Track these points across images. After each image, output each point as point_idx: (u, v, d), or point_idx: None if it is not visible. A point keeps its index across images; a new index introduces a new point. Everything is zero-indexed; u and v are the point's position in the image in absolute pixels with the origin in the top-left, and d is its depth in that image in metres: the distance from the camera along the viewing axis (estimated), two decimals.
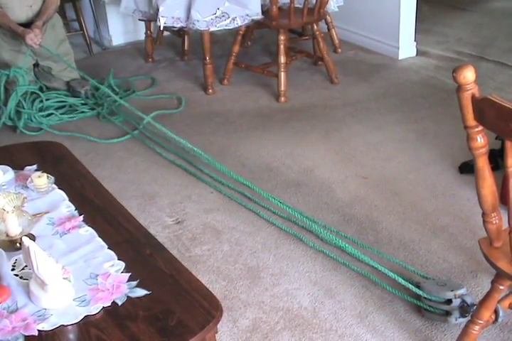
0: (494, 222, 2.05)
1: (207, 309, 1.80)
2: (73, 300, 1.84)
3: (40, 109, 4.40)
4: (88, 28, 5.83)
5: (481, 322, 2.26)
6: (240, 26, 4.57)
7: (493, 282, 2.18)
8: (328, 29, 5.39)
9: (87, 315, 1.79)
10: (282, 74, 4.59)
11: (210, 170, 3.70)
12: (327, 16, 5.19)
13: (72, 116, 4.48)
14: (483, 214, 2.05)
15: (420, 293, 2.65)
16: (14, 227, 2.06)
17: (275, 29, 4.59)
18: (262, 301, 2.76)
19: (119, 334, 1.73)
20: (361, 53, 5.48)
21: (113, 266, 1.98)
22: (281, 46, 4.56)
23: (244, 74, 5.02)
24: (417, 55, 5.36)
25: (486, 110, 1.77)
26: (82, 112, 4.52)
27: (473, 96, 1.78)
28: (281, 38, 4.55)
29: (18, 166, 2.58)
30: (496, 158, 3.38)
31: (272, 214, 3.33)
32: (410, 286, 2.70)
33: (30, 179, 2.43)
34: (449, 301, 2.57)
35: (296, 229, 3.21)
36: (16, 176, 2.51)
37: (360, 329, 2.59)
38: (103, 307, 1.82)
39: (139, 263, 2.01)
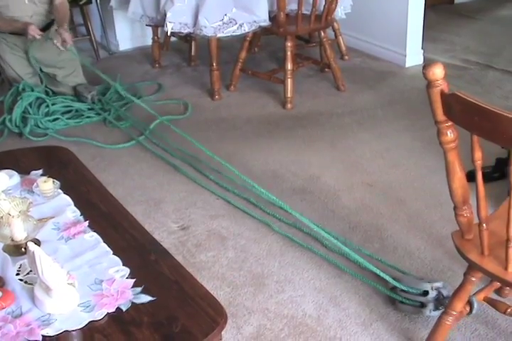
0: (465, 215, 2.11)
1: (211, 316, 1.80)
2: (78, 305, 1.84)
3: (46, 114, 4.41)
4: (95, 32, 5.84)
5: (455, 313, 2.31)
6: (248, 32, 4.58)
7: (465, 274, 2.23)
8: (336, 36, 5.39)
9: (92, 321, 1.79)
10: (289, 81, 4.59)
11: (216, 177, 3.71)
12: (334, 23, 5.19)
13: (78, 121, 4.48)
14: (455, 208, 2.11)
15: (398, 285, 2.70)
16: (19, 232, 2.06)
17: (282, 36, 4.59)
18: (267, 308, 2.75)
19: (123, 340, 1.73)
20: (368, 60, 5.48)
21: (118, 271, 1.98)
22: (288, 53, 4.56)
23: (251, 81, 5.02)
24: (424, 62, 5.36)
25: (453, 105, 1.84)
26: (89, 117, 4.52)
27: (442, 92, 1.85)
28: (289, 44, 4.55)
29: (23, 171, 2.58)
30: (502, 167, 3.38)
31: (277, 221, 3.33)
32: (388, 278, 2.75)
33: (35, 184, 2.43)
34: (425, 293, 2.62)
35: (301, 236, 3.20)
36: (22, 181, 2.52)
37: (365, 337, 2.58)
38: (107, 312, 1.82)
39: (144, 269, 2.01)
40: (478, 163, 1.91)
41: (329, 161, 3.91)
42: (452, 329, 2.44)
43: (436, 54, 5.52)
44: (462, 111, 1.83)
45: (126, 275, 1.96)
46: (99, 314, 1.81)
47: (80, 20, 5.92)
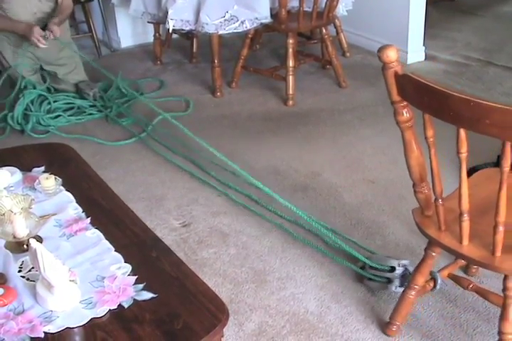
0: (424, 192, 2.25)
1: (213, 312, 1.80)
2: (79, 302, 1.84)
3: (48, 111, 4.41)
4: (97, 29, 5.84)
5: (417, 287, 2.44)
6: (249, 29, 4.57)
7: (426, 249, 2.37)
8: (337, 33, 5.38)
9: (94, 318, 1.79)
10: (290, 78, 4.59)
11: (218, 174, 3.71)
12: (336, 20, 5.18)
13: (80, 117, 4.48)
14: (414, 185, 2.26)
15: (367, 261, 2.83)
16: (21, 229, 2.06)
17: (284, 32, 4.59)
18: (268, 305, 2.76)
19: (125, 337, 1.72)
20: (369, 57, 5.47)
21: (120, 268, 1.98)
22: (290, 50, 4.56)
23: (253, 78, 5.02)
24: (425, 59, 5.35)
25: (406, 86, 1.97)
26: (90, 114, 4.53)
27: (395, 74, 1.98)
28: (290, 41, 4.55)
29: (25, 168, 2.58)
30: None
31: (278, 218, 3.33)
32: (360, 257, 2.88)
33: (37, 181, 2.43)
34: (392, 269, 2.76)
35: (302, 233, 3.20)
36: (24, 178, 2.51)
37: (366, 334, 2.59)
38: (109, 309, 1.81)
39: (146, 265, 2.01)
40: (431, 141, 2.03)
41: (331, 158, 3.91)
42: (415, 303, 2.58)
43: (437, 51, 5.51)
44: (414, 91, 1.95)
45: (128, 272, 1.96)
46: (101, 311, 1.81)
47: (81, 17, 5.92)
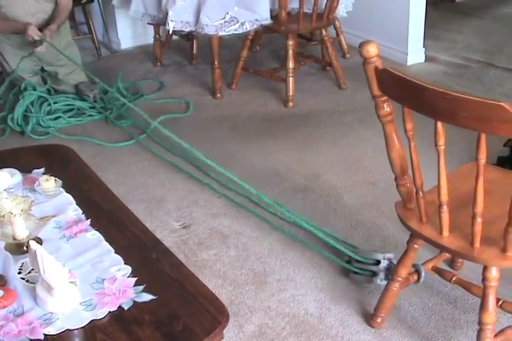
0: (406, 185, 2.28)
1: (213, 314, 1.80)
2: (79, 304, 1.84)
3: (48, 113, 4.40)
4: (97, 31, 5.83)
5: (400, 279, 2.50)
6: (249, 31, 4.57)
7: (408, 242, 2.41)
8: (337, 34, 5.38)
9: (93, 320, 1.79)
10: (290, 79, 4.58)
11: (217, 175, 3.70)
12: (336, 22, 5.18)
13: (80, 119, 4.47)
14: (396, 178, 2.28)
15: (353, 255, 2.88)
16: (21, 231, 2.06)
17: (284, 34, 4.59)
18: (268, 307, 2.75)
19: (124, 339, 1.73)
20: None
21: (120, 270, 1.98)
22: (290, 51, 4.56)
23: (253, 79, 5.02)
24: (425, 60, 5.35)
25: (385, 80, 2.01)
26: (90, 115, 4.52)
27: (376, 68, 2.01)
28: (290, 43, 4.55)
29: (25, 169, 2.58)
30: (504, 165, 3.37)
31: (278, 220, 3.33)
32: (346, 250, 2.92)
33: (37, 182, 2.43)
34: (377, 262, 2.80)
35: (302, 235, 3.20)
36: (24, 179, 2.51)
37: (367, 335, 2.59)
38: (109, 311, 1.81)
39: (146, 267, 2.01)
40: (411, 134, 2.06)
41: (331, 159, 3.91)
42: (399, 295, 2.60)
43: (437, 52, 5.51)
44: (393, 86, 2.00)
45: (128, 274, 1.96)
46: (100, 313, 1.81)
47: (81, 18, 5.91)
